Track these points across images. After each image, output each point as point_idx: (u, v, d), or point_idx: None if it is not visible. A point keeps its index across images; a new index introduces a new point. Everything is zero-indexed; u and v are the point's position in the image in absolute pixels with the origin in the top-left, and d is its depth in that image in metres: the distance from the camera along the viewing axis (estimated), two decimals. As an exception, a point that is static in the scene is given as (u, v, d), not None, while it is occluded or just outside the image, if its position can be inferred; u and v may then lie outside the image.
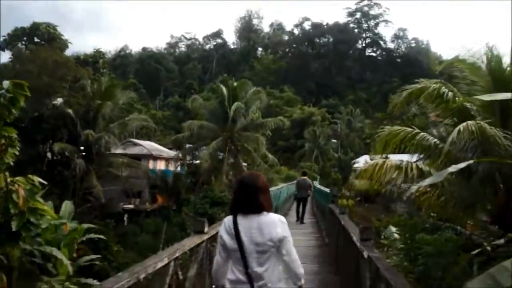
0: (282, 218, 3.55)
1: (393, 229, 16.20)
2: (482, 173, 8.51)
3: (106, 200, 32.21)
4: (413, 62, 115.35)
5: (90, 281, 10.30)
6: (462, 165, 4.08)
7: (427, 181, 4.30)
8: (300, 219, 19.25)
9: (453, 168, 3.81)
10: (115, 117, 33.75)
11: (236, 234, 3.44)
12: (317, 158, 64.19)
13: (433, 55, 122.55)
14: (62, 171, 30.36)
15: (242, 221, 3.47)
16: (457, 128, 7.64)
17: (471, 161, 4.42)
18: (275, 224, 3.44)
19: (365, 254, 4.90)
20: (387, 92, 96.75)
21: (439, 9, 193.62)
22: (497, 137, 7.64)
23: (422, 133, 9.79)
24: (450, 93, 9.23)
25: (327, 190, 17.64)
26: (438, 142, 9.71)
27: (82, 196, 29.93)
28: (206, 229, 6.18)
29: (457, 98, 9.11)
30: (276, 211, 17.46)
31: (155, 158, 44.30)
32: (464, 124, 7.70)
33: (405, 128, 10.13)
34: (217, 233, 6.56)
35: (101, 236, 16.14)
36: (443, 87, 9.60)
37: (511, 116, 8.84)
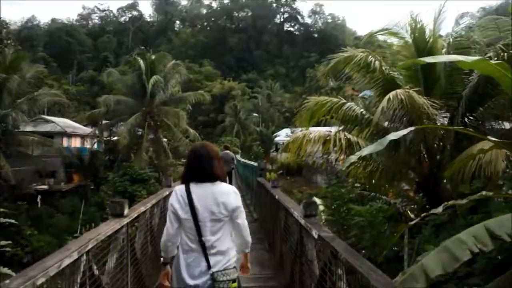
0: (235, 189, 3.63)
1: (318, 200, 16.32)
2: (409, 143, 8.50)
3: (17, 181, 30.37)
4: (329, 37, 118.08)
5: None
6: (402, 132, 3.80)
7: (368, 150, 3.98)
8: None
9: (393, 136, 3.52)
10: (23, 92, 31.39)
11: (190, 203, 3.39)
12: (238, 132, 64.19)
13: (348, 31, 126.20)
14: (-37, 151, 28.05)
15: (195, 189, 3.44)
16: (387, 97, 7.53)
17: (411, 128, 4.14)
18: (229, 194, 3.49)
19: (314, 233, 4.43)
20: (305, 66, 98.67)
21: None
22: (425, 105, 7.58)
23: (348, 103, 9.67)
24: (377, 62, 9.11)
25: (254, 163, 17.21)
26: (364, 112, 9.64)
27: (-13, 178, 27.88)
28: (126, 212, 5.33)
29: (384, 68, 9.01)
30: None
31: (70, 135, 42.18)
32: (394, 92, 7.60)
33: (332, 98, 9.97)
34: (139, 215, 6.10)
35: (11, 220, 15.04)
36: (370, 56, 9.48)
37: (435, 86, 8.86)
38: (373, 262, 3.67)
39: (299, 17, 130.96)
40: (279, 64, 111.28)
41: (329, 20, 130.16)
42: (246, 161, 24.02)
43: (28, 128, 33.41)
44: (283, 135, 57.43)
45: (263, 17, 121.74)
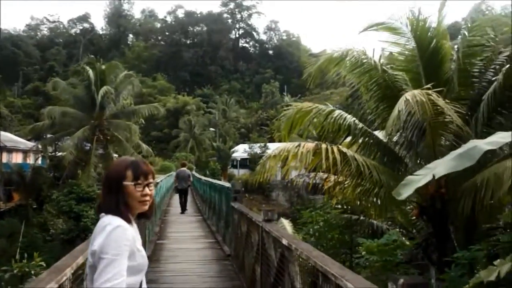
0: (114, 223, 2.26)
1: (285, 221, 14.62)
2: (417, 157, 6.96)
3: None
4: (284, 54, 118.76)
5: None
6: (500, 139, 2.24)
7: (448, 167, 2.40)
8: (182, 208, 19.82)
9: (488, 145, 1.92)
10: (-44, 102, 28.56)
11: None
12: (192, 148, 62.24)
13: (303, 47, 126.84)
14: None
15: None
16: (403, 98, 5.95)
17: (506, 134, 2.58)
18: (98, 231, 2.28)
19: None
20: (260, 82, 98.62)
21: (309, 5, 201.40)
22: (447, 109, 6.05)
23: (338, 111, 8.09)
24: (375, 60, 7.59)
25: (223, 183, 15.02)
26: (357, 121, 8.09)
27: None
28: None
29: (385, 67, 7.48)
30: (155, 210, 14.92)
31: (10, 150, 39.12)
32: (410, 93, 6.03)
33: (317, 105, 8.37)
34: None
35: None
36: (363, 56, 7.97)
37: (445, 90, 7.39)
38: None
39: (254, 33, 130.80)
40: (234, 80, 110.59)
41: (284, 37, 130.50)
42: (209, 179, 22.04)
43: (-37, 142, 30.43)
44: (240, 151, 56.08)
45: (218, 32, 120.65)
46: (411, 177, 5.14)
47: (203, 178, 25.36)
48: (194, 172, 33.66)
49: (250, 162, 47.13)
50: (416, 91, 6.13)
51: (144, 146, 35.35)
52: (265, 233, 5.75)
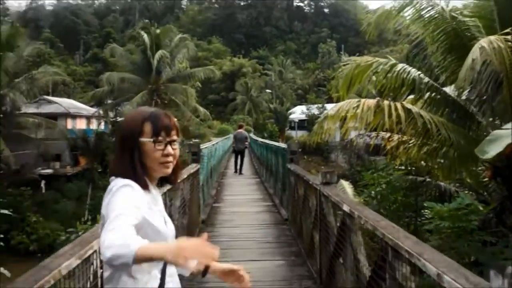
0: (120, 183, 1.86)
1: (344, 183, 14.18)
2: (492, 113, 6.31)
3: (19, 166, 28.80)
4: (341, 12, 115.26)
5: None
6: None
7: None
8: (238, 170, 20.12)
9: None
10: (21, 71, 29.45)
11: None
12: (250, 110, 62.08)
13: (360, 5, 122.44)
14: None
15: None
16: (477, 45, 5.30)
17: None
18: (107, 193, 1.87)
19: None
20: (316, 42, 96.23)
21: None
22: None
23: (401, 64, 7.46)
24: (442, 7, 6.87)
25: (279, 144, 14.64)
26: (422, 75, 7.44)
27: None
28: None
29: (454, 14, 6.77)
30: (212, 172, 14.87)
31: (74, 116, 40.43)
32: (486, 39, 5.37)
33: (377, 58, 7.77)
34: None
35: (6, 211, 13.58)
36: (429, 2, 7.26)
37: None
38: None
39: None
40: (289, 40, 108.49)
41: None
42: (266, 140, 21.84)
43: (30, 110, 31.52)
44: (298, 112, 55.46)
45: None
46: (500, 132, 4.53)
47: (260, 139, 25.20)
48: (251, 135, 33.62)
49: (308, 124, 46.61)
50: (493, 37, 5.45)
51: (202, 109, 35.52)
52: (324, 197, 5.29)
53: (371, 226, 3.00)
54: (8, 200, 23.82)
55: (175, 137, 1.97)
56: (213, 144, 16.53)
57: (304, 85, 78.12)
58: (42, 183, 32.09)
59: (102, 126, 39.69)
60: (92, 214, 21.73)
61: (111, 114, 36.45)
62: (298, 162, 9.35)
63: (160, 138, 1.91)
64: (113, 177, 1.90)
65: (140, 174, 1.89)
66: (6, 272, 8.14)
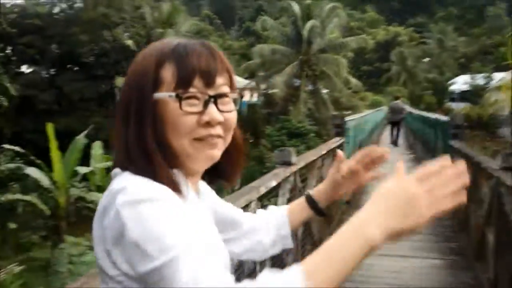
0: (130, 195, 0.83)
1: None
2: None
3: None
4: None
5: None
6: None
7: None
8: (394, 142, 19.59)
9: None
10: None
11: None
12: (405, 82, 58.85)
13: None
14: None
15: None
16: None
17: None
18: (104, 209, 0.86)
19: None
20: (482, 5, 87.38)
21: None
22: None
23: None
24: None
25: (438, 116, 12.77)
26: None
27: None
28: (293, 160, 4.68)
29: None
30: (360, 147, 13.84)
31: (229, 89, 41.94)
32: None
33: None
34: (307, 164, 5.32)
35: None
36: None
37: None
38: None
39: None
40: (451, 5, 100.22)
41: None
42: (422, 112, 20.26)
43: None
44: (460, 83, 51.11)
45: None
46: None
47: (415, 112, 23.56)
48: (406, 106, 31.73)
49: (471, 95, 42.96)
50: None
51: (354, 80, 34.36)
52: (504, 187, 4.05)
53: None
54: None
55: (224, 90, 1.01)
56: (362, 116, 15.56)
57: (468, 53, 71.74)
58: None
59: (255, 98, 40.62)
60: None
61: (263, 86, 37.10)
62: (463, 139, 8.05)
63: (192, 90, 0.95)
64: (115, 171, 0.95)
65: (159, 163, 0.92)
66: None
